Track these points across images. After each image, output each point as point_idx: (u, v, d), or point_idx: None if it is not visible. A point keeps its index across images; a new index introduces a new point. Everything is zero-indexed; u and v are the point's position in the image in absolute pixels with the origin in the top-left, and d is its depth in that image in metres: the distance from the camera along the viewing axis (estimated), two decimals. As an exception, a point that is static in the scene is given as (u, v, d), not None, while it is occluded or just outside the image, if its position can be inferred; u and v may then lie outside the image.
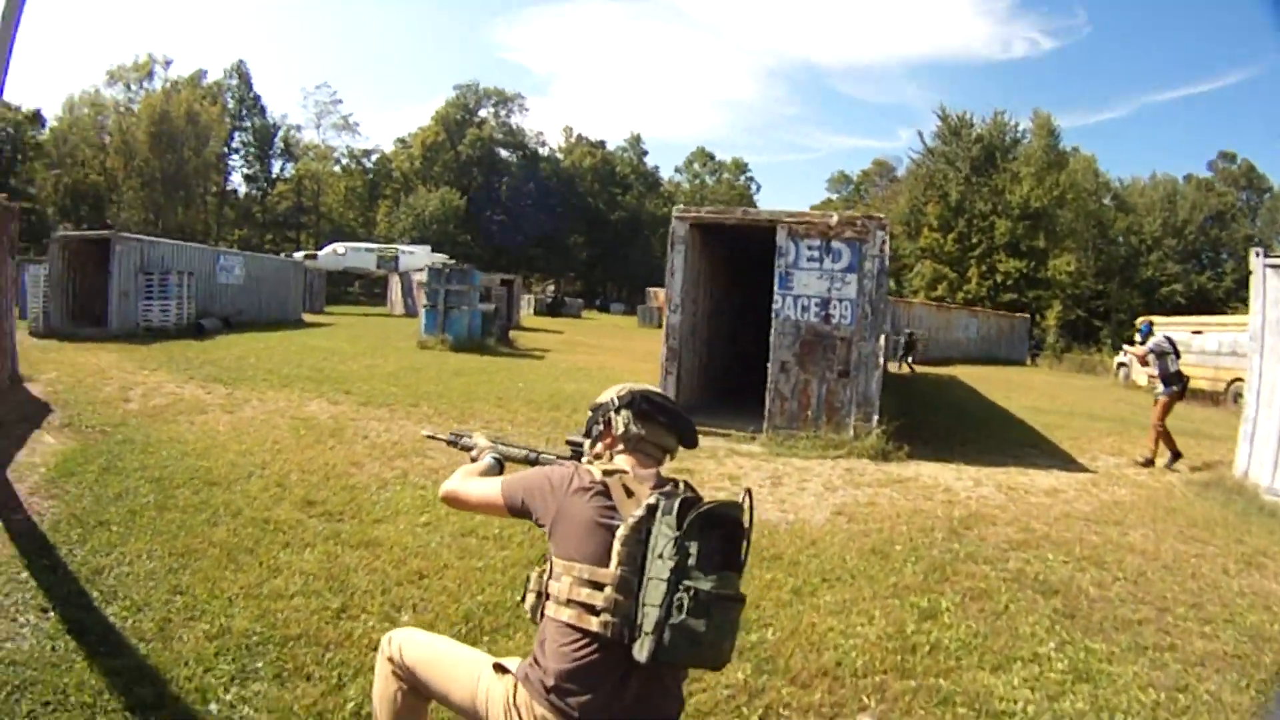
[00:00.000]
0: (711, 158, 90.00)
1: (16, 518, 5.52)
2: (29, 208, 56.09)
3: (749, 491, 2.15)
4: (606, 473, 2.24)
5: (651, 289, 56.92)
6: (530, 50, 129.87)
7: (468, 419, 10.46)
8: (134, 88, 64.21)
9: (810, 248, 10.07)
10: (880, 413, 9.97)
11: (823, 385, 10.09)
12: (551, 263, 78.13)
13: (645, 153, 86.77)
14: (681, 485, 2.20)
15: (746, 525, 2.02)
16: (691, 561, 1.91)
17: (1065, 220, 53.99)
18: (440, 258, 35.95)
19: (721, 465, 8.58)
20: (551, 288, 68.49)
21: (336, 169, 76.10)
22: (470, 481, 2.56)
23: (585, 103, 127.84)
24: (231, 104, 70.18)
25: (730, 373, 14.11)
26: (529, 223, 73.52)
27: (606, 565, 2.04)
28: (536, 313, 51.04)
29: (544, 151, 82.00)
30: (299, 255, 44.96)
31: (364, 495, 6.63)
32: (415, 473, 7.55)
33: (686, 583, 1.90)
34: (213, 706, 3.38)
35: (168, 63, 65.74)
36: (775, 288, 10.32)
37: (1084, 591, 5.33)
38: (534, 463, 2.72)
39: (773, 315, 10.35)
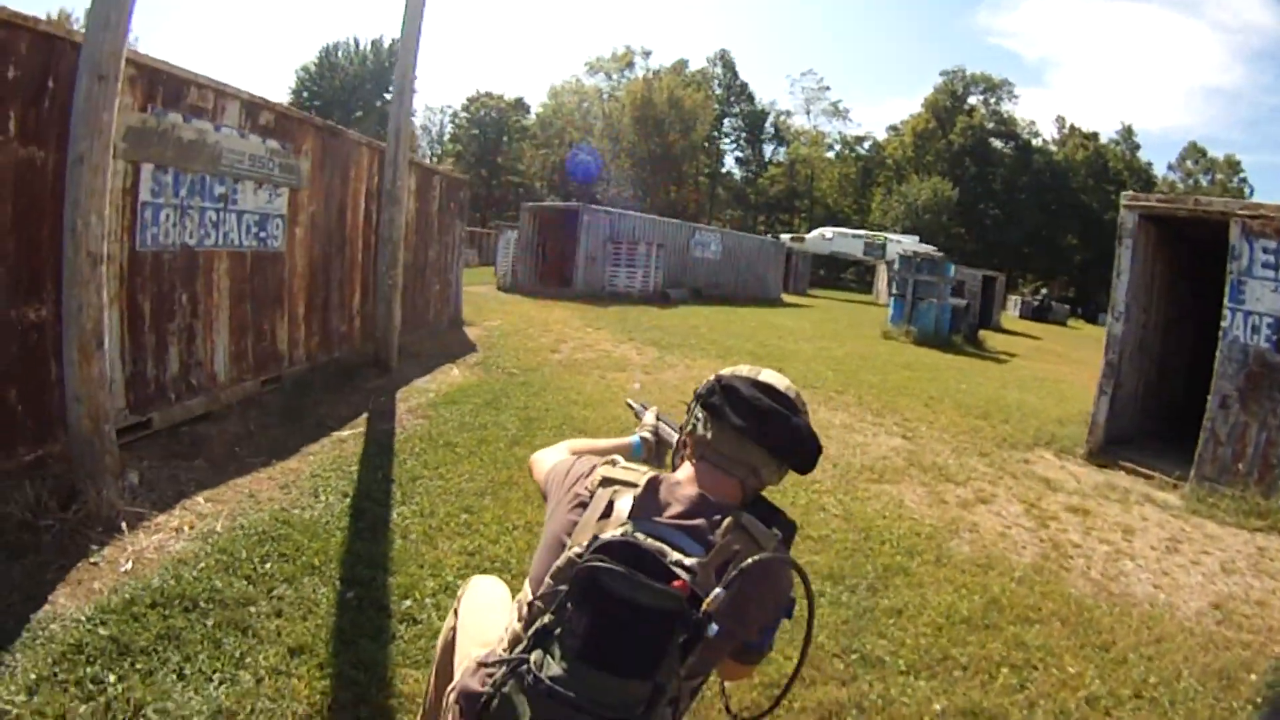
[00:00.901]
0: (1204, 154, 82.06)
1: (383, 428, 6.81)
2: (516, 182, 70.36)
3: (800, 571, 1.70)
4: (606, 481, 1.85)
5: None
6: (1021, 36, 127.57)
7: (884, 415, 10.22)
8: (614, 77, 77.56)
9: (1265, 250, 8.16)
10: None
11: (1263, 433, 8.07)
12: (1043, 263, 75.84)
13: (1138, 147, 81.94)
14: (724, 529, 1.71)
15: (665, 615, 1.51)
16: (558, 630, 1.54)
17: None
18: (928, 249, 35.47)
19: (1127, 512, 7.35)
20: (1043, 290, 64.28)
21: (829, 155, 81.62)
22: (549, 453, 2.27)
23: (1073, 91, 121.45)
24: (718, 91, 79.30)
25: (1183, 401, 11.99)
26: (1023, 218, 72.83)
27: None
28: (1021, 315, 48.79)
29: (1036, 143, 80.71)
30: (785, 237, 48.38)
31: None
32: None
33: (535, 654, 1.54)
34: (407, 602, 3.92)
35: (647, 53, 78.57)
36: (1225, 300, 8.55)
37: None
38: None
39: (1220, 335, 8.62)
